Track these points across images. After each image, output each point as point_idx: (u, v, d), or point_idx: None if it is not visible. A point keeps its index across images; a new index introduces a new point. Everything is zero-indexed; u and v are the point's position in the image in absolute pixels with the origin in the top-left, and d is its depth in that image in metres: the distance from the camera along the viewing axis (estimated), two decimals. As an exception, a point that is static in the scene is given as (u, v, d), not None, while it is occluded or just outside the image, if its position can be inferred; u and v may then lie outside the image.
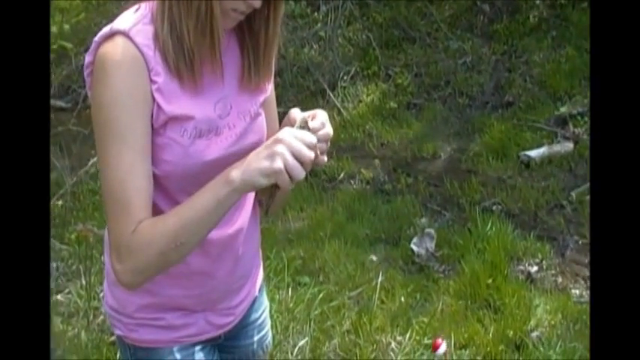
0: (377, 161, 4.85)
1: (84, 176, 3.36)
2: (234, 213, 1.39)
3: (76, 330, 2.78)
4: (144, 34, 1.22)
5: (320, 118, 1.27)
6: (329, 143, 1.28)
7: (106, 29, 1.24)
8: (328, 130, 1.27)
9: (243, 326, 1.57)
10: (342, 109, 5.50)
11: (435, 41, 6.17)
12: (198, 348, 1.49)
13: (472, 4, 6.58)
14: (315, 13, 6.50)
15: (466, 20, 6.42)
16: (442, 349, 2.57)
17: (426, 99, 5.63)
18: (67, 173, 3.46)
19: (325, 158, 1.26)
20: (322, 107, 5.36)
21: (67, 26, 2.94)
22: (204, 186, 1.22)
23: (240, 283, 1.51)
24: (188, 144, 1.27)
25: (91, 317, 2.83)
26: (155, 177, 1.26)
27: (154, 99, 1.23)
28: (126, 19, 1.24)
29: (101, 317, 2.86)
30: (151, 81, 1.22)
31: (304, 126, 1.23)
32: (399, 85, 5.78)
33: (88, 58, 1.25)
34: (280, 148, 1.16)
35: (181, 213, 1.21)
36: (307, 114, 1.28)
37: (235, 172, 1.18)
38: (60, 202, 3.04)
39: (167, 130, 1.25)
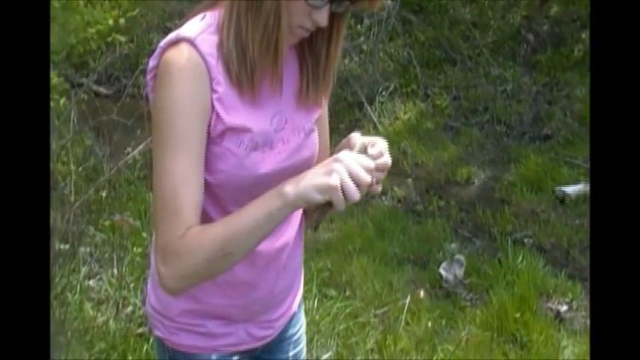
0: (410, 180, 4.83)
1: (122, 166, 3.35)
2: (282, 227, 1.39)
3: (105, 317, 2.79)
4: (208, 44, 1.23)
5: (379, 146, 1.26)
6: (386, 173, 1.27)
7: (171, 35, 1.24)
8: (387, 159, 1.26)
9: (281, 341, 1.57)
10: (378, 124, 5.50)
11: (477, 66, 6.16)
12: (235, 358, 1.49)
13: (516, 32, 6.56)
14: (359, 26, 6.51)
15: (509, 47, 6.40)
16: None
17: (463, 123, 5.61)
18: (106, 161, 3.46)
19: (380, 187, 1.26)
20: (359, 120, 5.39)
21: (122, 20, 2.97)
22: (257, 199, 1.21)
23: (282, 297, 1.51)
24: (243, 155, 1.27)
25: (121, 306, 2.83)
26: (207, 185, 1.26)
27: (213, 108, 1.23)
28: (192, 27, 1.25)
29: (130, 307, 2.87)
30: (212, 90, 1.23)
31: (363, 151, 1.23)
32: (436, 106, 5.77)
33: (151, 63, 1.26)
34: (338, 167, 1.15)
35: (231, 222, 1.21)
36: (367, 140, 1.28)
37: (290, 187, 1.18)
38: (99, 192, 3.04)
39: (224, 140, 1.26)
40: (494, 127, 5.50)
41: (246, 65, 1.23)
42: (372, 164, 1.18)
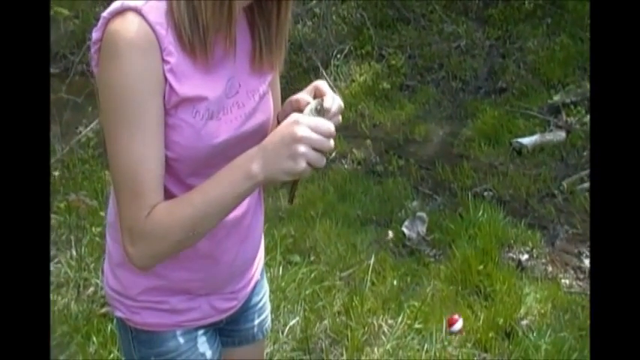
0: (369, 142, 4.83)
1: (75, 145, 3.29)
2: None
3: (66, 300, 2.75)
4: (156, 12, 1.18)
5: (329, 95, 1.26)
6: (340, 118, 1.28)
7: (116, 4, 1.18)
8: (340, 103, 1.27)
9: (244, 310, 1.56)
10: (334, 88, 5.46)
11: (430, 23, 6.15)
12: (200, 332, 1.47)
13: (468, -13, 6.55)
14: (310, -11, 6.44)
15: (461, 3, 6.40)
16: (458, 325, 2.55)
17: (419, 81, 5.61)
18: (57, 141, 3.40)
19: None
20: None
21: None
22: (220, 175, 1.18)
23: (245, 267, 1.49)
24: (200, 126, 1.24)
25: (82, 288, 2.79)
26: (165, 159, 1.23)
27: (166, 79, 1.19)
28: None
29: (92, 288, 2.83)
30: (164, 61, 1.18)
31: (319, 109, 1.20)
32: (392, 66, 5.76)
33: (95, 35, 1.19)
34: (302, 149, 1.12)
35: (198, 204, 1.18)
36: (308, 90, 1.28)
37: (256, 168, 1.15)
38: (53, 172, 2.98)
39: (178, 111, 1.22)
40: (450, 84, 5.51)
41: (199, 29, 1.19)
42: (332, 127, 1.16)
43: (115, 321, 1.57)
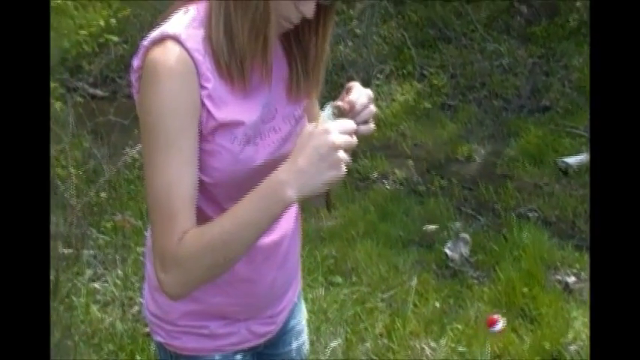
0: (410, 162, 4.82)
1: (121, 166, 3.36)
2: (280, 220, 1.37)
3: (112, 319, 2.79)
4: (194, 39, 1.20)
5: (356, 88, 1.27)
6: (374, 108, 1.27)
7: (155, 33, 1.20)
8: (367, 91, 1.27)
9: (283, 334, 1.56)
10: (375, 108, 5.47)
11: (471, 42, 6.13)
12: (239, 356, 1.48)
13: (509, 5, 6.52)
14: (351, 10, 6.48)
15: (503, 21, 6.37)
16: (499, 325, 2.50)
17: (460, 100, 5.58)
18: (105, 162, 3.47)
19: (372, 125, 1.27)
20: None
21: (113, 20, 2.95)
22: (252, 197, 1.17)
23: (282, 291, 1.49)
24: (238, 151, 1.25)
25: (127, 307, 2.83)
26: (201, 184, 1.24)
27: (203, 105, 1.20)
28: (176, 23, 1.22)
29: (136, 307, 2.87)
30: (201, 87, 1.20)
31: (336, 112, 1.21)
32: (433, 86, 5.75)
33: (136, 63, 1.22)
34: (342, 154, 1.14)
35: (230, 227, 1.18)
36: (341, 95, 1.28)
37: (291, 189, 1.14)
38: (100, 193, 3.04)
39: (216, 136, 1.23)
40: (493, 103, 5.47)
41: (236, 56, 1.21)
42: (354, 125, 1.18)
43: (154, 345, 1.58)
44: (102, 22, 2.93)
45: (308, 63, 1.32)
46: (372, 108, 1.27)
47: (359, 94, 1.26)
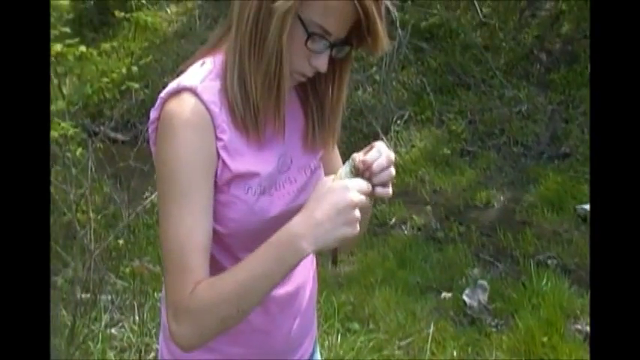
0: (429, 208, 4.82)
1: (140, 211, 3.39)
2: (295, 271, 1.36)
3: (128, 365, 2.79)
4: (210, 91, 1.21)
5: (375, 147, 1.23)
6: (393, 171, 1.23)
7: (172, 85, 1.22)
8: (388, 154, 1.22)
9: None
10: (394, 154, 5.49)
11: (490, 88, 6.16)
12: None
13: (529, 52, 6.56)
14: (370, 57, 6.55)
15: (522, 68, 6.39)
16: None
17: (479, 146, 5.59)
18: (124, 207, 3.50)
19: (390, 190, 1.22)
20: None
21: (135, 68, 3.02)
22: (266, 248, 1.18)
23: (299, 342, 1.48)
24: (253, 201, 1.25)
25: (143, 353, 2.83)
26: (216, 234, 1.25)
27: (219, 156, 1.22)
28: (192, 75, 1.23)
29: (152, 354, 2.87)
30: (217, 138, 1.21)
31: (353, 170, 1.20)
32: (452, 132, 5.77)
33: (153, 114, 1.24)
34: (358, 213, 1.15)
35: (243, 280, 1.17)
36: (366, 149, 1.24)
37: (306, 241, 1.14)
38: (118, 239, 3.07)
39: (231, 187, 1.24)
40: (512, 149, 5.47)
41: (251, 108, 1.22)
42: (369, 186, 1.18)
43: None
44: (124, 70, 3.00)
45: (324, 113, 1.33)
46: (392, 171, 1.23)
47: (378, 154, 1.22)
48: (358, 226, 1.15)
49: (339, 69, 1.30)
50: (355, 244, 1.22)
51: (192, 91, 1.20)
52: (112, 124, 5.00)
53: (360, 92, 6.27)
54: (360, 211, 1.16)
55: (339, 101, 1.33)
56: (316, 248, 1.16)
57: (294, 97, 1.35)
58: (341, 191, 1.15)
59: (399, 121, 5.85)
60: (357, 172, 1.20)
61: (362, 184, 1.17)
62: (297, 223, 1.16)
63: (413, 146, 5.66)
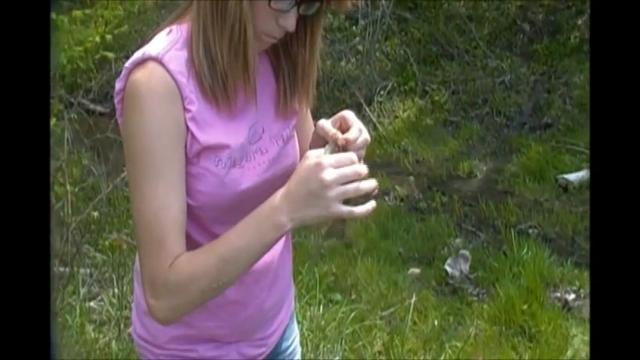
0: (412, 178, 4.81)
1: (120, 183, 3.35)
2: None
3: (107, 338, 2.77)
4: (177, 60, 1.17)
5: (355, 125, 1.21)
6: (365, 150, 1.21)
7: (137, 54, 1.18)
8: (366, 135, 1.21)
9: (274, 356, 1.52)
10: (377, 124, 5.48)
11: (474, 59, 6.13)
12: None
13: (512, 22, 6.53)
14: (354, 27, 6.50)
15: (505, 39, 6.37)
16: None
17: (462, 117, 5.58)
18: (103, 180, 3.47)
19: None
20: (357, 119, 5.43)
21: (109, 36, 2.95)
22: (245, 224, 1.16)
23: (274, 313, 1.47)
24: (223, 174, 1.22)
25: (122, 326, 2.81)
26: (188, 207, 1.22)
27: (187, 128, 1.18)
28: (158, 44, 1.19)
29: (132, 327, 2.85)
30: (185, 109, 1.17)
31: (335, 151, 1.16)
32: (435, 102, 5.75)
33: (118, 85, 1.20)
34: (333, 193, 1.09)
35: (223, 253, 1.16)
36: (334, 120, 1.22)
37: (285, 217, 1.12)
38: (96, 212, 3.04)
39: (201, 159, 1.21)
40: (494, 119, 5.47)
41: (218, 77, 1.19)
42: (353, 156, 1.12)
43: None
44: (97, 39, 2.93)
45: (297, 75, 1.29)
46: (363, 153, 1.20)
47: (359, 133, 1.20)
48: (337, 205, 1.10)
49: (310, 27, 1.25)
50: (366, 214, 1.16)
51: (158, 61, 1.16)
52: (90, 95, 4.94)
53: (343, 63, 6.22)
54: (343, 182, 1.10)
55: (312, 62, 1.28)
56: (295, 224, 1.13)
57: (266, 62, 1.31)
58: (312, 168, 1.11)
59: (382, 92, 5.82)
60: (338, 150, 1.16)
61: (343, 157, 1.12)
62: (277, 198, 1.14)
63: (396, 117, 5.64)
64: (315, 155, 1.14)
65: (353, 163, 1.11)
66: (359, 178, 1.11)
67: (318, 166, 1.10)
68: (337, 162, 1.11)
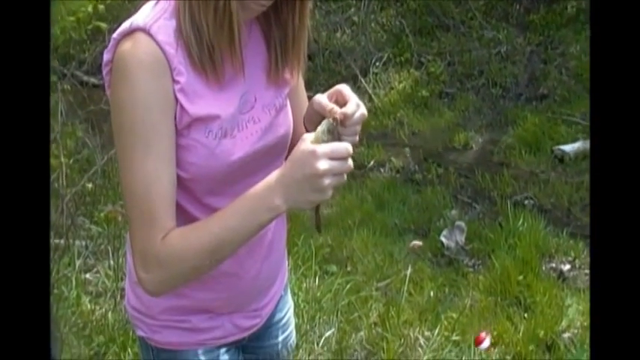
0: (407, 150, 4.80)
1: (114, 155, 3.33)
2: None
3: (104, 310, 2.77)
4: (165, 31, 1.15)
5: (353, 99, 1.19)
6: (361, 125, 1.21)
7: (125, 25, 1.16)
8: (363, 110, 1.20)
9: (268, 327, 1.53)
10: (373, 96, 5.45)
11: (469, 30, 6.09)
12: (223, 350, 1.45)
13: (508, -8, 6.48)
14: (348, -3, 6.44)
15: (501, 9, 6.32)
16: (486, 343, 2.51)
17: (458, 88, 5.56)
18: (98, 152, 3.45)
19: (357, 138, 1.20)
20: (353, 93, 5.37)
21: (102, 6, 2.89)
22: (240, 203, 1.15)
23: (268, 284, 1.47)
24: (214, 145, 1.21)
25: (118, 298, 2.81)
26: (180, 179, 1.21)
27: (176, 100, 1.17)
28: (145, 15, 1.17)
29: (128, 298, 2.86)
30: (174, 81, 1.16)
31: (332, 129, 1.14)
32: (431, 74, 5.71)
33: (106, 56, 1.18)
34: (327, 181, 1.09)
35: (217, 232, 1.16)
36: (329, 94, 1.21)
37: (279, 200, 1.12)
38: (90, 183, 3.02)
39: (191, 131, 1.19)
40: (490, 91, 5.44)
41: (204, 48, 1.17)
42: (349, 148, 1.12)
43: (137, 340, 1.56)
44: (90, 8, 2.88)
45: (287, 43, 1.27)
46: (358, 128, 1.20)
47: (356, 107, 1.18)
48: (329, 191, 1.10)
49: None
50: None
51: (146, 32, 1.14)
52: (84, 67, 4.89)
53: (338, 34, 6.17)
54: (336, 174, 1.10)
55: (302, 29, 1.27)
56: (289, 206, 1.13)
57: (257, 31, 1.29)
58: (309, 157, 1.10)
59: (377, 63, 5.78)
60: (332, 134, 1.14)
61: (340, 148, 1.11)
62: (273, 179, 1.13)
63: (392, 88, 5.61)
64: (309, 139, 1.13)
65: (349, 154, 1.11)
66: (349, 169, 1.11)
67: (313, 155, 1.09)
68: (332, 152, 1.10)
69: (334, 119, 1.15)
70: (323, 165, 1.09)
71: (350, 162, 1.12)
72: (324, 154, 1.09)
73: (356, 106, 1.19)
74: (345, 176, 1.12)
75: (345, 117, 1.16)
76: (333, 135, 1.14)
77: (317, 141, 1.13)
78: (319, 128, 1.15)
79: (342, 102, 1.20)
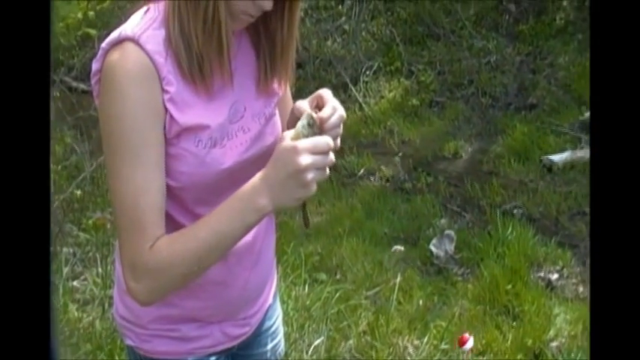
0: (397, 158, 4.81)
1: (103, 162, 3.32)
2: None
3: (91, 318, 2.76)
4: (154, 40, 1.15)
5: (329, 103, 1.21)
6: (342, 126, 1.22)
7: (114, 35, 1.16)
8: (341, 112, 1.21)
9: (257, 335, 1.53)
10: (363, 104, 5.46)
11: (460, 39, 6.11)
12: (212, 359, 1.45)
13: (498, 3, 6.51)
14: (340, 6, 6.46)
15: (491, 19, 6.35)
16: (469, 344, 2.52)
17: (448, 97, 5.57)
18: (86, 158, 3.44)
19: (339, 142, 1.21)
20: (344, 101, 5.36)
21: (91, 13, 2.89)
22: (226, 207, 1.16)
23: (257, 293, 1.47)
24: (203, 154, 1.21)
25: (106, 306, 2.79)
26: (169, 188, 1.21)
27: (166, 109, 1.17)
28: (134, 24, 1.17)
29: (116, 306, 2.84)
30: (163, 91, 1.16)
31: (311, 123, 1.16)
32: (421, 83, 5.73)
33: (95, 66, 1.18)
34: (310, 175, 1.11)
35: (204, 236, 1.16)
36: (311, 99, 1.23)
37: (264, 200, 1.13)
38: (79, 190, 3.00)
39: (180, 140, 1.20)
40: (480, 100, 5.46)
41: (194, 58, 1.17)
42: (330, 141, 1.13)
43: (125, 348, 1.55)
44: (79, 15, 2.88)
45: (276, 53, 1.28)
46: (340, 131, 1.21)
47: (332, 110, 1.20)
48: (314, 186, 1.12)
49: (288, 5, 1.24)
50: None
51: (135, 41, 1.14)
52: (73, 72, 4.88)
53: (329, 43, 6.18)
54: (318, 167, 1.12)
55: (290, 39, 1.27)
56: (275, 205, 1.14)
57: (246, 40, 1.30)
58: (290, 153, 1.11)
59: (368, 72, 5.79)
60: (312, 128, 1.16)
61: (320, 143, 1.13)
62: (257, 180, 1.14)
63: (382, 97, 5.62)
64: (289, 135, 1.14)
65: (330, 148, 1.12)
66: (331, 163, 1.13)
67: (295, 150, 1.11)
68: (314, 146, 1.12)
69: (312, 118, 1.16)
70: (305, 160, 1.10)
71: (332, 155, 1.13)
72: (306, 149, 1.11)
73: (332, 110, 1.20)
74: (328, 170, 1.13)
75: (321, 120, 1.18)
76: (313, 129, 1.16)
77: (297, 136, 1.14)
78: (299, 123, 1.17)
79: (322, 106, 1.22)
